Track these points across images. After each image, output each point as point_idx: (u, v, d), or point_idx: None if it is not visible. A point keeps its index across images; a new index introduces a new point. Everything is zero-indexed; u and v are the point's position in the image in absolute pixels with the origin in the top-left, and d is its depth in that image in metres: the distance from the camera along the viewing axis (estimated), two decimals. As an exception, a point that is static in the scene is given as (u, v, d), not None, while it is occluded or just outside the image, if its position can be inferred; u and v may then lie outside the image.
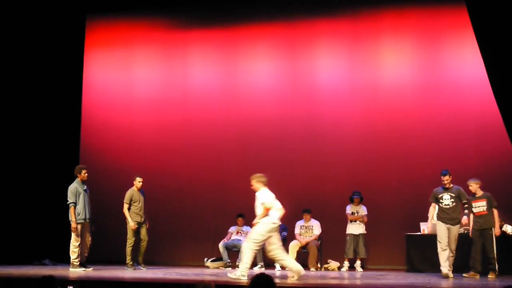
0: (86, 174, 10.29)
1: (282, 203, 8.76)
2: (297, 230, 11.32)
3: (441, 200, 9.64)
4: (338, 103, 12.36)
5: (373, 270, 11.02)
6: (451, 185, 9.66)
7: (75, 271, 9.75)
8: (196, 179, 12.74)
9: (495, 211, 9.54)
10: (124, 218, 10.64)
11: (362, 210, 11.21)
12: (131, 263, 10.58)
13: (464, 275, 9.43)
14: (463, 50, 11.68)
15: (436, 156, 11.54)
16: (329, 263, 11.34)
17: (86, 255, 10.22)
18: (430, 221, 9.86)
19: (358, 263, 11.12)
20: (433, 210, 9.80)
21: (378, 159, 11.90)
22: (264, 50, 12.91)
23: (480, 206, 9.57)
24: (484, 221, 9.52)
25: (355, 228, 11.14)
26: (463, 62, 11.79)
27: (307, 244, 11.13)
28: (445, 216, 9.52)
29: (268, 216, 8.57)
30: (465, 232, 9.95)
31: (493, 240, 9.44)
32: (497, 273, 9.35)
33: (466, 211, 9.80)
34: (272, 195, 8.74)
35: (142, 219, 10.72)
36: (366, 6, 12.38)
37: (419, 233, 10.65)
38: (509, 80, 9.14)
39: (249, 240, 8.65)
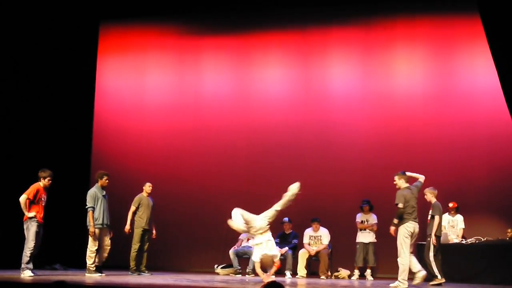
0: (107, 181, 10.29)
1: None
2: (306, 240, 11.28)
3: None
4: (350, 111, 12.35)
5: (384, 279, 10.95)
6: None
7: (91, 276, 9.76)
8: (207, 185, 12.75)
9: (435, 219, 9.73)
10: (131, 222, 10.67)
11: (372, 219, 11.17)
12: (134, 268, 10.59)
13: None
14: (476, 60, 11.65)
15: (448, 165, 11.51)
16: (339, 271, 11.30)
17: (104, 260, 10.21)
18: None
19: (368, 272, 11.08)
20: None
21: (390, 167, 11.79)
22: (276, 58, 12.94)
23: (429, 214, 9.91)
24: (428, 229, 9.85)
25: (365, 237, 11.11)
26: (476, 71, 11.77)
27: (317, 252, 11.11)
28: None
29: None
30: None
31: (429, 247, 9.68)
32: (438, 278, 9.47)
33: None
34: None
35: (147, 226, 10.71)
36: (379, 15, 12.39)
37: (430, 242, 10.59)
38: (522, 90, 9.09)
39: None
